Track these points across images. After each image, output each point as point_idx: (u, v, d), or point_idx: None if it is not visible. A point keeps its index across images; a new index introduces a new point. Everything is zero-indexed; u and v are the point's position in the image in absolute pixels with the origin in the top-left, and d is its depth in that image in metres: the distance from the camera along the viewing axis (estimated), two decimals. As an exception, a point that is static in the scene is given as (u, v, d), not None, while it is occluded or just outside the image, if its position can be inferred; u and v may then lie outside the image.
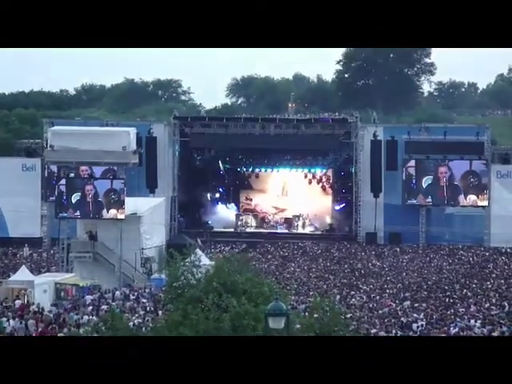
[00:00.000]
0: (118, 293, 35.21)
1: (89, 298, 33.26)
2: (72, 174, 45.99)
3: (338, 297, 33.21)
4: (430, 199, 56.11)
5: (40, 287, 34.29)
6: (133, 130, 45.16)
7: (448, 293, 35.40)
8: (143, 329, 22.00)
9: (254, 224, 62.16)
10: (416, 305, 31.66)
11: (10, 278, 36.12)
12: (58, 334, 25.51)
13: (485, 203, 55.27)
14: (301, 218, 61.58)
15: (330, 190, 63.80)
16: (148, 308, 30.11)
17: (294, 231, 60.77)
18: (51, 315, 28.96)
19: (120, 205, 42.61)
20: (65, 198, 43.54)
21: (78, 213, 43.34)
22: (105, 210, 42.83)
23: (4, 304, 31.43)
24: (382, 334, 24.85)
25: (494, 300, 33.22)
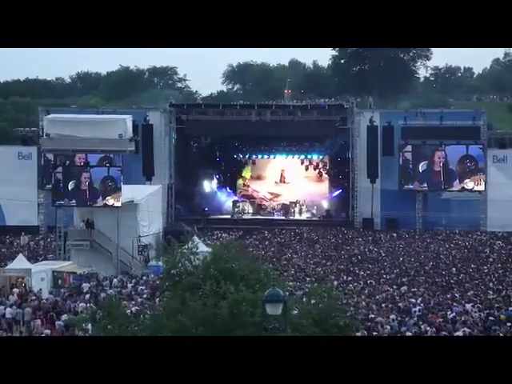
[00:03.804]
0: (115, 280, 35.27)
1: (86, 285, 33.29)
2: (68, 162, 45.93)
3: (336, 282, 33.27)
4: (426, 184, 56.16)
5: (37, 275, 34.34)
6: (129, 118, 45.07)
7: (445, 277, 35.51)
8: (141, 316, 22.02)
9: (250, 211, 62.23)
10: (413, 290, 31.76)
11: (7, 267, 36.16)
12: (56, 322, 25.60)
13: (481, 188, 55.30)
14: (297, 205, 61.67)
15: (326, 176, 63.82)
16: (146, 295, 30.15)
17: (291, 218, 60.82)
18: (49, 303, 29.02)
19: (117, 192, 42.61)
20: (61, 186, 43.54)
21: (74, 201, 43.34)
22: (101, 198, 42.84)
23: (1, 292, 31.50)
24: (380, 319, 24.92)
25: (490, 284, 33.34)
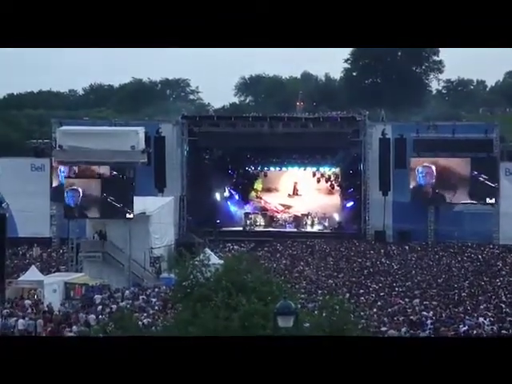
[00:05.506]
0: (127, 292, 35.31)
1: (98, 297, 33.34)
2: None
3: (347, 295, 33.19)
4: (438, 197, 56.10)
5: (50, 287, 34.42)
6: (141, 130, 45.18)
7: (457, 291, 35.36)
8: (153, 328, 22.05)
9: (262, 223, 62.23)
10: (425, 303, 31.64)
11: (19, 278, 36.25)
12: (68, 334, 25.62)
13: (493, 201, 55.16)
14: (309, 217, 61.66)
15: (338, 189, 63.81)
16: (157, 307, 30.16)
17: (303, 230, 60.81)
18: (61, 315, 29.08)
19: (129, 204, 42.65)
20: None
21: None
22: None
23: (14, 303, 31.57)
24: (392, 332, 24.85)
25: (503, 297, 33.18)
